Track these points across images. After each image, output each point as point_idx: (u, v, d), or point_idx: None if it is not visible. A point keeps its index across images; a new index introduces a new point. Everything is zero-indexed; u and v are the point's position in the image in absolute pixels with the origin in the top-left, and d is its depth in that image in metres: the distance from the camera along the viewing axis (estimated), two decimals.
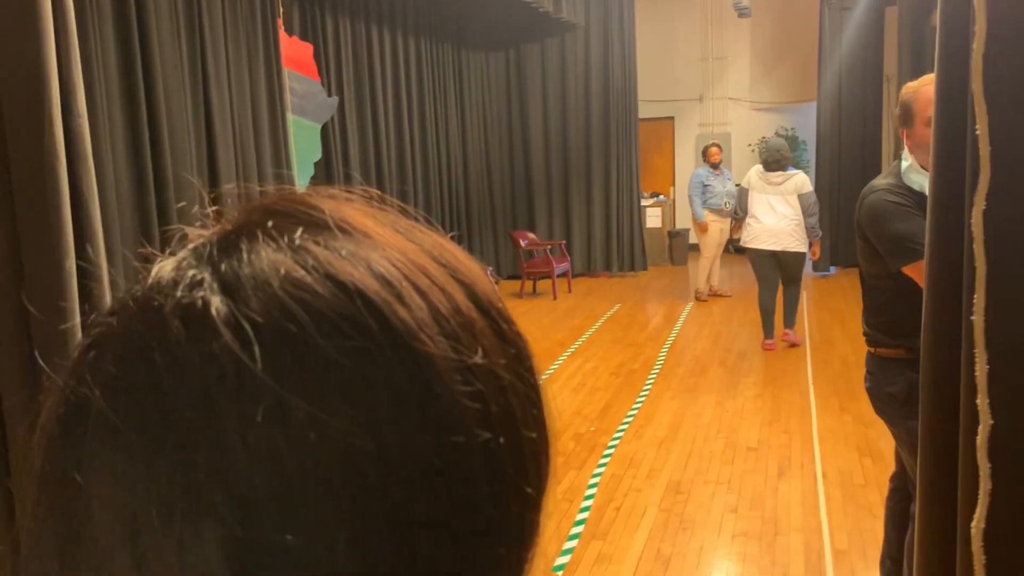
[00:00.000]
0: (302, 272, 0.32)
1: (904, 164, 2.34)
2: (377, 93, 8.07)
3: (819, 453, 4.31)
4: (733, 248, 10.90)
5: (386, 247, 0.35)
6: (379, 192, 0.40)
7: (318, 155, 7.11)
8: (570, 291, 9.62)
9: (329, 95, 7.27)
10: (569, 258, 9.93)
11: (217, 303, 0.31)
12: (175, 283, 0.33)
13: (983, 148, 1.06)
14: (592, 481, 4.04)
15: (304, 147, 6.82)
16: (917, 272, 2.12)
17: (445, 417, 0.32)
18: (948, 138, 1.40)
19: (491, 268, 7.99)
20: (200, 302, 0.31)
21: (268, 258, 0.33)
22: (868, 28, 10.22)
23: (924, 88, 2.24)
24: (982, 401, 1.08)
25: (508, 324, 0.37)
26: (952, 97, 1.38)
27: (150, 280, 0.34)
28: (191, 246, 0.35)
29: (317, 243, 0.34)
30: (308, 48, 7.00)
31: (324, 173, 7.22)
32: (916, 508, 1.70)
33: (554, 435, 0.38)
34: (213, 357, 0.30)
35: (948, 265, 1.42)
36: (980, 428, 1.09)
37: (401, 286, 0.33)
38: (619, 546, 3.38)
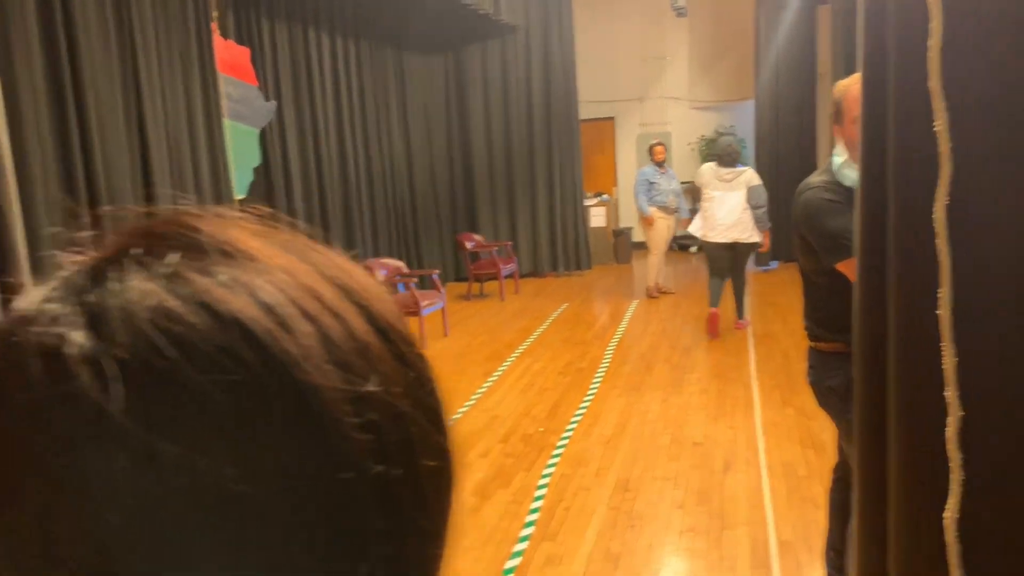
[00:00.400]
0: (175, 302, 0.30)
1: (837, 161, 2.39)
2: (317, 96, 7.98)
3: (763, 446, 4.38)
4: (676, 245, 11.07)
5: (273, 270, 0.32)
6: (272, 209, 0.38)
7: (257, 160, 7.00)
8: (517, 292, 9.63)
9: (267, 99, 7.17)
10: (516, 259, 9.95)
11: (80, 339, 0.29)
12: (38, 317, 0.30)
13: (943, 144, 1.08)
14: (541, 482, 4.04)
15: (242, 152, 6.70)
16: (850, 268, 2.17)
17: (333, 452, 0.30)
18: (874, 137, 1.43)
19: (437, 271, 7.94)
20: (60, 339, 0.29)
21: (138, 287, 0.30)
22: (802, 27, 10.44)
23: (854, 86, 2.29)
24: (952, 393, 1.09)
25: (408, 346, 0.35)
26: (876, 96, 1.41)
27: (15, 313, 0.31)
28: (62, 274, 0.32)
29: (194, 269, 0.31)
30: (245, 52, 6.89)
31: (264, 178, 7.11)
32: (855, 499, 1.73)
33: (459, 462, 0.36)
34: (74, 399, 0.28)
35: (877, 261, 1.45)
36: (950, 420, 1.11)
37: (286, 312, 0.31)
38: (569, 546, 3.38)
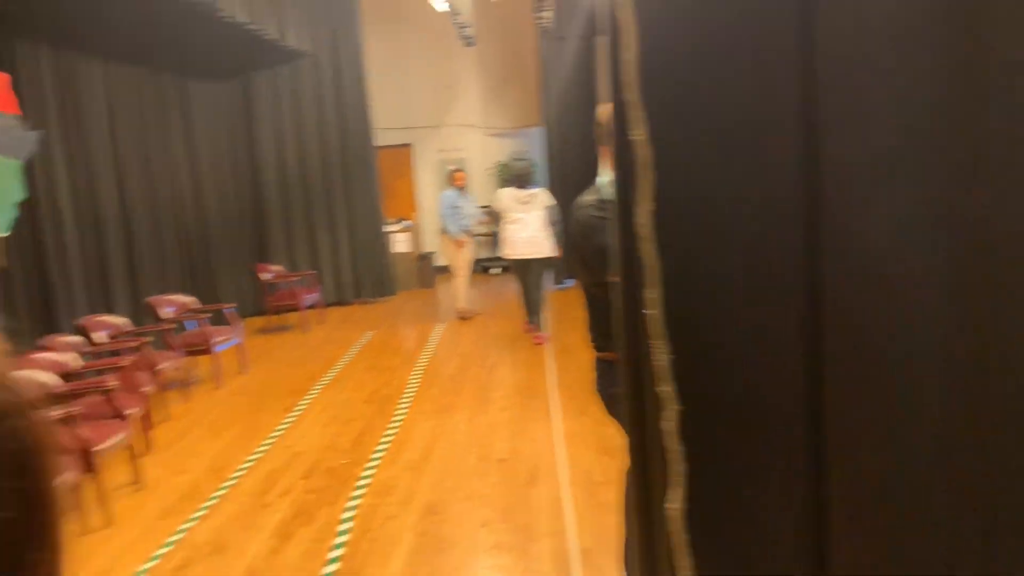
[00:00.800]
0: None
1: (602, 179, 2.52)
2: (90, 125, 7.43)
3: (563, 457, 4.51)
4: (479, 267, 11.25)
5: None
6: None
7: (21, 195, 6.41)
8: (322, 322, 9.41)
9: (31, 129, 6.59)
10: (320, 288, 9.72)
11: None
12: None
13: (644, 152, 1.14)
14: (346, 515, 3.95)
15: (4, 187, 6.12)
16: None
17: None
18: (620, 151, 1.52)
19: (234, 305, 7.59)
20: None
21: None
22: (582, 56, 10.96)
23: None
24: (667, 388, 1.15)
25: None
26: (619, 113, 1.50)
27: None
28: None
29: None
30: (3, 78, 6.31)
31: (30, 214, 6.52)
32: (626, 496, 1.82)
33: (55, 508, 0.32)
34: None
35: (629, 269, 1.54)
36: (667, 414, 1.16)
37: None
38: None
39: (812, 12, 1.01)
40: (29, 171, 6.54)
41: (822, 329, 1.04)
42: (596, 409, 4.64)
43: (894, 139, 0.99)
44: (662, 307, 1.11)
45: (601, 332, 2.78)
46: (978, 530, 1.03)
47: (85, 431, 4.08)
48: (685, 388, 1.11)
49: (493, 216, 7.71)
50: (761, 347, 1.06)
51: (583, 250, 2.61)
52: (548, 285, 7.71)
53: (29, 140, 6.55)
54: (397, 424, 5.36)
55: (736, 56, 1.01)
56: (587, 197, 2.66)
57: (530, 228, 7.22)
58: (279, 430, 5.41)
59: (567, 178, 10.81)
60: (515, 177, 7.40)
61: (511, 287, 8.47)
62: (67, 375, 4.76)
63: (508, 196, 7.36)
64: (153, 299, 6.91)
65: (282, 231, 10.52)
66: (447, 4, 9.59)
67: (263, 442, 5.18)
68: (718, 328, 1.08)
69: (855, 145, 1.00)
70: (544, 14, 10.26)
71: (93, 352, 5.51)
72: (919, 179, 0.99)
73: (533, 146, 12.67)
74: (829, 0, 1.00)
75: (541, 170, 11.88)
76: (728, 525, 1.12)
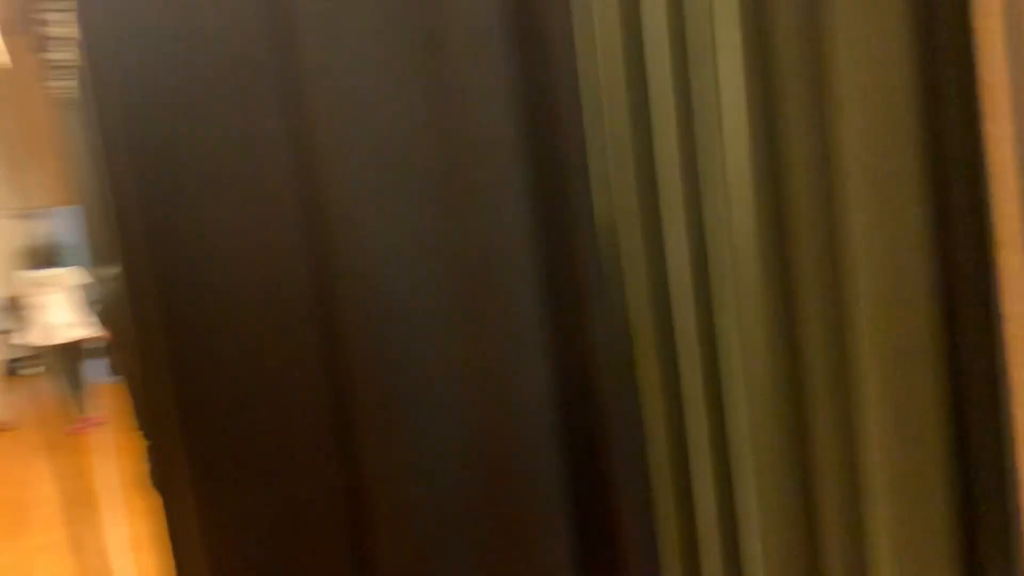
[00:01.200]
0: None
1: None
2: None
3: (126, 566, 3.98)
4: (12, 368, 9.83)
5: None
6: None
7: None
8: None
9: None
10: None
11: None
12: None
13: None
14: None
15: None
16: None
17: None
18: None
19: None
20: None
21: None
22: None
23: None
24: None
25: None
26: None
27: None
28: None
29: None
30: None
31: None
32: None
33: None
34: None
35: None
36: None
37: None
38: None
39: (292, 52, 0.98)
40: None
41: (345, 358, 1.01)
42: (155, 502, 4.21)
43: (381, 173, 1.00)
44: (131, 372, 1.02)
45: (147, 416, 2.48)
46: (499, 532, 1.06)
47: None
48: (211, 434, 1.01)
49: (11, 306, 6.94)
50: (284, 384, 0.99)
51: (114, 326, 2.32)
52: (99, 374, 6.97)
53: None
54: None
55: (215, 99, 0.94)
56: (113, 269, 2.37)
57: (57, 311, 6.58)
58: None
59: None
60: (37, 259, 6.74)
61: (49, 385, 7.48)
62: None
63: (31, 279, 6.69)
64: None
65: None
66: None
67: None
68: (239, 375, 0.99)
69: (348, 181, 0.99)
70: (61, 84, 9.40)
71: None
72: (408, 210, 1.01)
73: (70, 225, 11.48)
74: (307, 33, 0.97)
75: (81, 249, 10.83)
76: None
